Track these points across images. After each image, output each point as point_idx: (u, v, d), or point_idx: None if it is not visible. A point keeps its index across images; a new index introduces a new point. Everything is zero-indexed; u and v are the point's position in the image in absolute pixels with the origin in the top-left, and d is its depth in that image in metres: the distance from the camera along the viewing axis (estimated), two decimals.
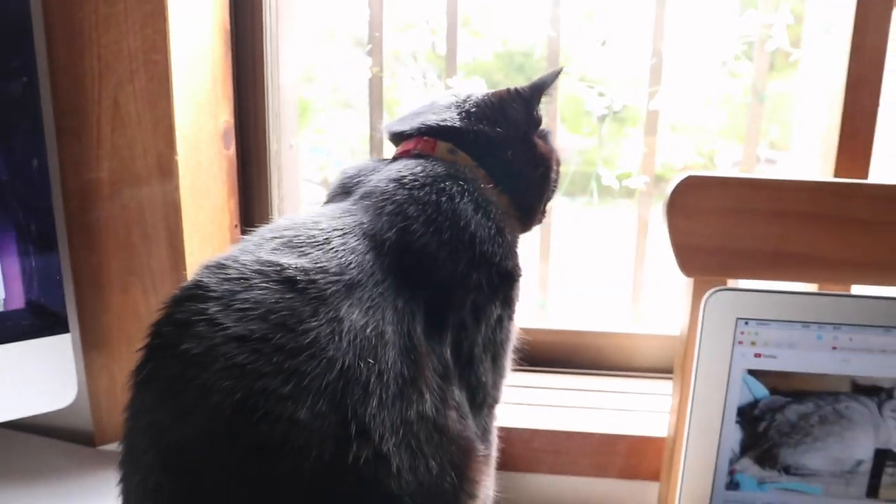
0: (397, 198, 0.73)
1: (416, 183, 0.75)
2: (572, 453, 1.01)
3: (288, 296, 0.60)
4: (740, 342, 0.80)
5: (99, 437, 1.10)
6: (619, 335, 1.23)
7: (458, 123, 0.81)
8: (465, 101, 0.84)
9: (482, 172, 0.80)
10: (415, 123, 0.83)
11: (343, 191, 0.81)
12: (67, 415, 1.05)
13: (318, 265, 0.63)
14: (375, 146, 1.33)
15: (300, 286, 0.61)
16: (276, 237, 0.67)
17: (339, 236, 0.68)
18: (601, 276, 1.60)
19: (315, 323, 0.59)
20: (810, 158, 1.10)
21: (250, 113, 1.17)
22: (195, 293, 0.60)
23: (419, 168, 0.77)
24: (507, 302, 0.78)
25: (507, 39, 1.41)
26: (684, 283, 0.87)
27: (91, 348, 1.05)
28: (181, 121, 0.99)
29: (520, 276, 0.78)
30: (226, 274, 0.61)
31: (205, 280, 0.61)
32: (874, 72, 0.99)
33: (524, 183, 0.83)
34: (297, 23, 1.24)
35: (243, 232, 1.16)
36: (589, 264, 1.53)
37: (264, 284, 0.60)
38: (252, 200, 1.20)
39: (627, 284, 1.31)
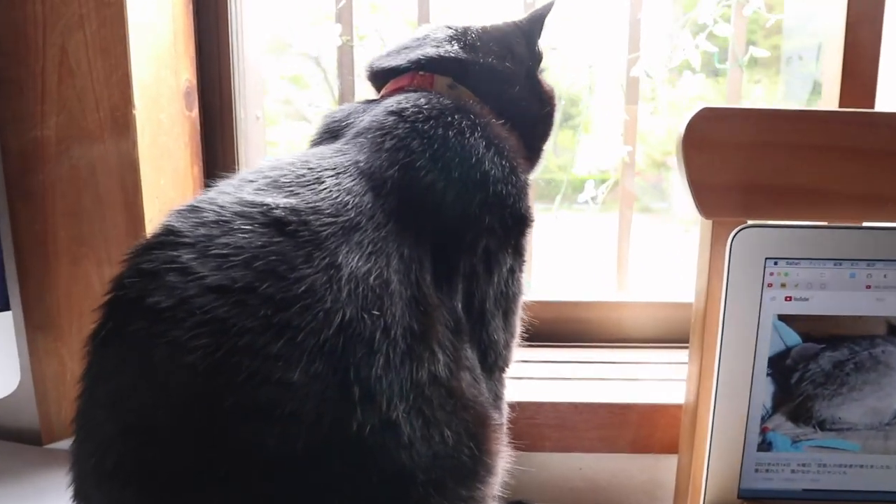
0: (398, 132, 0.65)
1: (421, 115, 0.67)
2: (579, 428, 0.93)
3: (276, 239, 0.52)
4: (769, 284, 0.73)
5: (46, 434, 0.97)
6: (614, 305, 1.15)
7: (462, 55, 0.74)
8: (464, 32, 0.77)
9: (487, 109, 0.72)
10: (411, 56, 0.75)
11: (330, 134, 0.72)
12: (9, 408, 0.93)
13: (310, 205, 0.56)
14: None
15: (290, 228, 0.53)
16: (259, 178, 0.59)
17: (331, 176, 0.60)
18: (581, 251, 1.53)
19: (309, 270, 0.51)
20: None
21: (214, 75, 1.07)
22: (164, 240, 0.52)
23: (423, 100, 0.69)
24: (519, 251, 0.70)
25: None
26: (702, 229, 0.80)
27: (36, 329, 0.93)
28: (139, 72, 0.88)
29: (533, 221, 0.71)
30: (200, 217, 0.53)
31: (176, 224, 0.53)
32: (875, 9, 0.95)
33: (531, 121, 0.76)
34: None
35: None
36: (565, 239, 1.46)
37: (248, 227, 0.52)
38: (217, 169, 1.10)
39: (611, 258, 1.25)
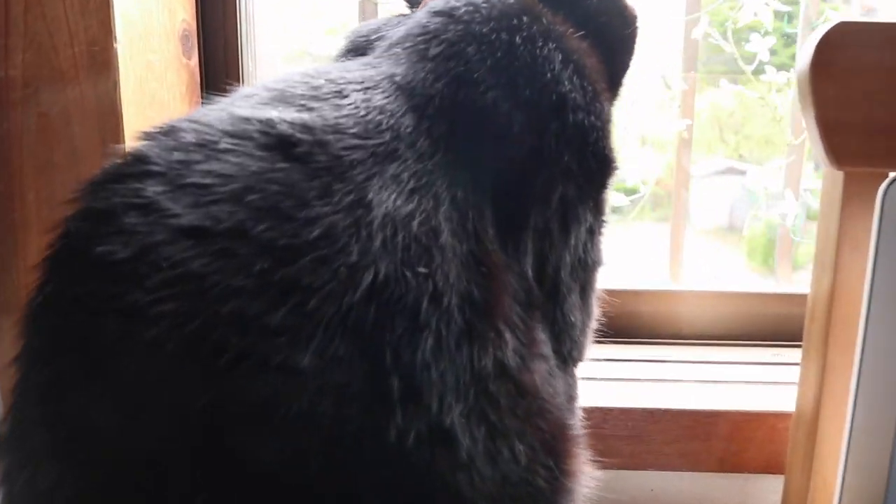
0: (448, 35, 0.50)
1: (478, 15, 0.52)
2: (654, 440, 0.75)
3: (280, 165, 0.39)
4: None
5: None
6: (675, 294, 0.97)
7: None
8: None
9: (561, 17, 0.56)
10: None
11: (356, 52, 0.57)
12: None
13: (330, 123, 0.42)
14: None
15: (300, 150, 0.40)
16: (261, 91, 0.46)
17: (358, 90, 0.46)
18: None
19: (327, 208, 0.38)
20: None
21: (216, 18, 0.91)
22: (127, 170, 0.39)
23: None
24: (599, 207, 0.56)
25: None
26: (826, 186, 0.63)
27: (0, 312, 0.78)
28: (122, 1, 0.73)
29: (618, 167, 0.55)
30: (177, 139, 0.40)
31: (144, 150, 0.40)
32: None
33: (613, 42, 0.60)
34: None
35: None
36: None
37: (241, 149, 0.39)
38: None
39: (664, 243, 1.07)
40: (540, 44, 0.51)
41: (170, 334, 0.33)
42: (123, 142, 0.74)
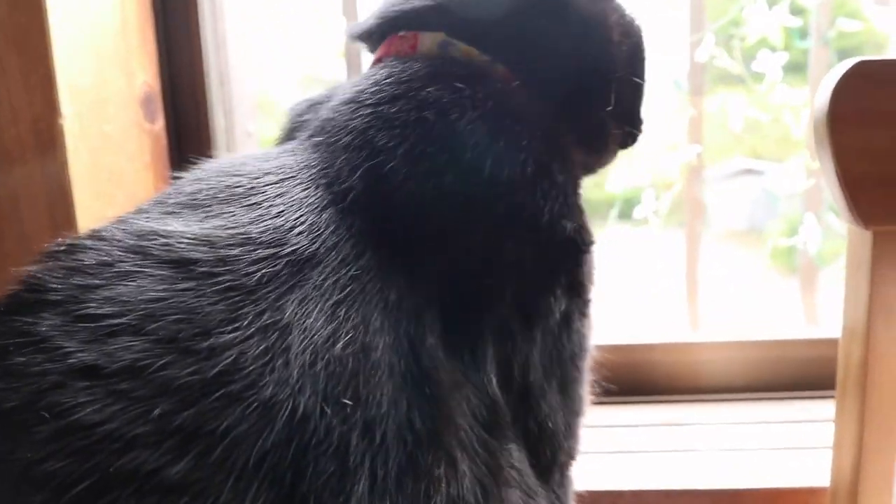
0: (355, 123, 0.45)
1: (383, 95, 0.46)
2: None
3: (182, 287, 0.35)
4: None
5: None
6: (694, 346, 0.90)
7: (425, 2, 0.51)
8: None
9: (501, 69, 0.49)
10: (385, 14, 0.53)
11: (288, 136, 0.52)
12: None
13: (237, 232, 0.38)
14: None
15: (202, 270, 0.36)
16: (175, 193, 0.43)
17: (275, 184, 0.42)
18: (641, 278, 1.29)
19: (234, 335, 0.34)
20: None
21: (183, 76, 0.86)
22: (23, 299, 0.35)
23: (384, 72, 0.48)
24: (575, 288, 0.48)
25: None
26: (853, 242, 0.55)
27: None
28: (69, 70, 0.68)
29: (590, 242, 0.48)
30: (77, 260, 0.36)
31: (42, 276, 0.36)
32: None
33: (574, 74, 0.52)
34: None
35: None
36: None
37: (142, 270, 0.35)
38: None
39: (679, 283, 1.00)
40: (455, 115, 0.44)
41: (61, 495, 0.29)
42: (75, 224, 0.68)
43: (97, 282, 0.34)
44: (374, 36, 0.54)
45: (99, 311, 0.33)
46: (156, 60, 0.82)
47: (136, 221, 0.38)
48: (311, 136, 0.47)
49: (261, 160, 0.44)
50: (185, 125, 0.86)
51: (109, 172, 0.73)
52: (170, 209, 0.39)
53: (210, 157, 0.85)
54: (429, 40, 0.50)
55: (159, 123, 0.82)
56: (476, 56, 0.49)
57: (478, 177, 0.43)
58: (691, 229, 1.00)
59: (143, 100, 0.79)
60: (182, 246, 0.36)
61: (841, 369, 0.58)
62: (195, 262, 0.35)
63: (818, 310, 1.02)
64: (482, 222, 0.44)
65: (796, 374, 0.87)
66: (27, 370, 0.32)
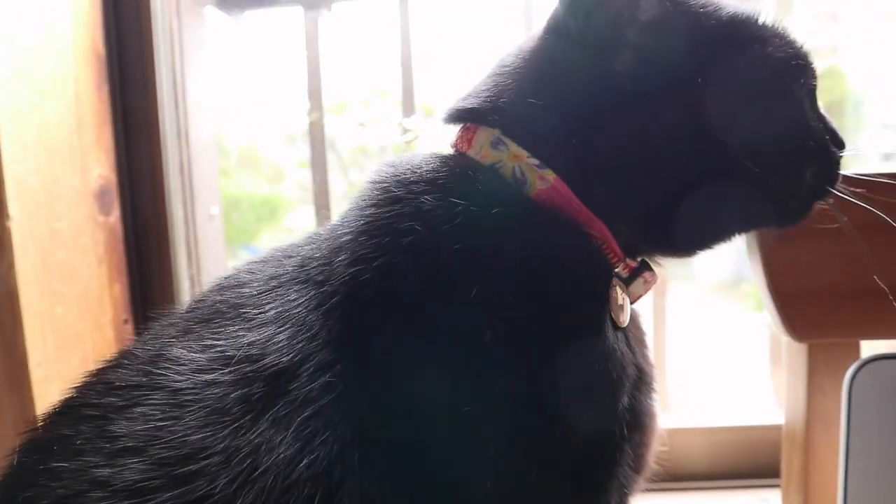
0: (356, 219, 0.44)
1: (386, 197, 0.44)
2: None
3: (174, 414, 0.38)
4: None
5: None
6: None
7: (491, 94, 0.47)
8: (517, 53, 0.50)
9: (543, 175, 0.44)
10: (457, 104, 0.50)
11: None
12: None
13: (223, 353, 0.40)
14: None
15: (187, 398, 0.38)
16: (210, 300, 0.45)
17: (273, 289, 0.44)
18: None
19: (210, 461, 0.36)
20: None
21: (142, 168, 0.86)
22: (69, 406, 0.41)
23: (384, 174, 0.46)
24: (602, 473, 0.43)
25: None
26: (790, 353, 0.55)
27: None
28: (17, 170, 0.68)
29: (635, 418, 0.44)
30: (112, 380, 0.41)
31: (86, 389, 0.41)
32: None
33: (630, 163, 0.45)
34: (210, 53, 0.96)
35: (138, 329, 0.84)
36: None
37: (148, 395, 0.39)
38: (150, 286, 0.88)
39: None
40: (441, 222, 0.41)
41: None
42: (21, 326, 0.68)
43: (121, 403, 0.38)
44: (450, 123, 0.50)
45: (118, 432, 0.37)
46: (113, 153, 0.83)
47: (157, 341, 0.42)
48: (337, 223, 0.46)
49: (287, 253, 0.46)
50: (143, 216, 0.86)
51: (59, 270, 0.73)
52: (190, 323, 0.43)
53: (166, 245, 0.86)
54: (483, 136, 0.46)
55: (115, 215, 0.82)
56: (522, 157, 0.45)
57: (452, 299, 0.40)
58: (656, 298, 0.99)
59: (97, 193, 0.80)
60: (174, 372, 0.39)
61: (784, 473, 0.58)
62: (182, 390, 0.38)
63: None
64: (461, 361, 0.40)
65: (756, 461, 0.87)
66: (61, 474, 0.36)
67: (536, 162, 0.44)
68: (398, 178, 0.45)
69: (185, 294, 0.89)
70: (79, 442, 0.37)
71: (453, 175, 0.44)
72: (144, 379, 0.39)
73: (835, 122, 0.49)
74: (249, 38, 1.17)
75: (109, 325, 0.81)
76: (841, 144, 0.48)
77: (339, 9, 1.03)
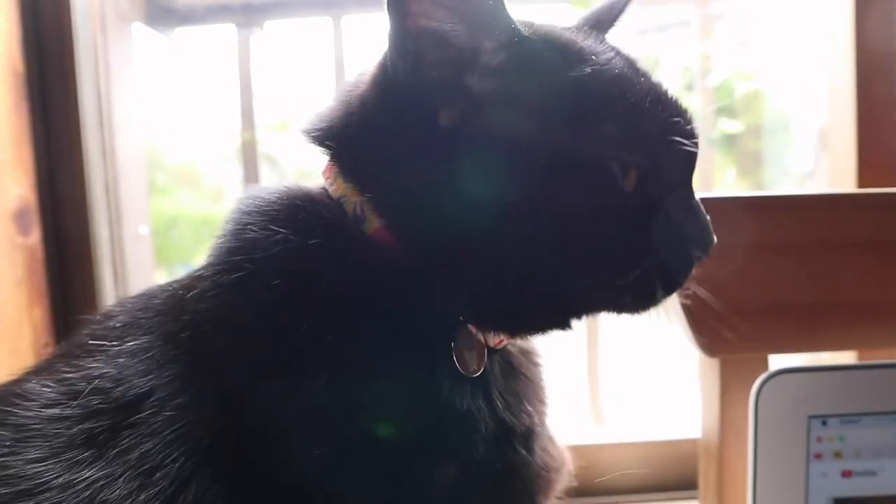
0: (201, 266, 0.45)
1: (225, 229, 0.45)
2: None
3: (15, 449, 0.37)
4: (817, 455, 0.49)
5: None
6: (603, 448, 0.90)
7: (330, 122, 0.45)
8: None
9: (371, 216, 0.43)
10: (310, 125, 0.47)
11: None
12: None
13: (70, 387, 0.39)
14: None
15: (28, 433, 0.37)
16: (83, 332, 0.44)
17: (139, 319, 0.43)
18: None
19: (48, 494, 0.35)
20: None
21: (64, 187, 0.84)
22: None
23: (239, 204, 0.46)
24: None
25: None
26: (704, 369, 0.57)
27: None
28: None
29: None
30: None
31: None
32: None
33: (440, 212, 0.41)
34: (138, 70, 0.95)
35: None
36: None
37: None
38: (73, 309, 0.85)
39: (580, 379, 1.01)
40: (251, 276, 0.41)
41: None
42: None
43: None
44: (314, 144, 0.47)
45: None
46: (33, 172, 0.80)
47: (17, 377, 0.42)
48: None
49: (164, 288, 0.45)
50: (65, 237, 0.84)
51: None
52: (53, 358, 0.42)
53: (89, 266, 0.84)
54: (336, 169, 0.44)
55: (35, 236, 0.80)
56: (352, 194, 0.43)
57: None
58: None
59: (16, 214, 0.77)
60: (22, 408, 0.38)
61: (701, 485, 0.59)
62: (26, 425, 0.37)
63: None
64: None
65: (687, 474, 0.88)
66: None
67: (362, 198, 0.43)
68: (243, 209, 0.44)
69: None
70: None
71: (283, 205, 0.43)
72: None
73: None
74: (183, 55, 1.16)
75: (29, 350, 0.78)
76: (704, 244, 0.43)
77: (272, 27, 1.02)
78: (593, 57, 0.41)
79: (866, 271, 0.54)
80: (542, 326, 0.44)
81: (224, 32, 1.02)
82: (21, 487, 0.35)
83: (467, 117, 0.40)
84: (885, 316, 0.54)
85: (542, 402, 0.46)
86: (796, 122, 1.12)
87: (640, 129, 0.41)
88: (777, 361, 0.55)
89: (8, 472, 0.36)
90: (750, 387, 0.51)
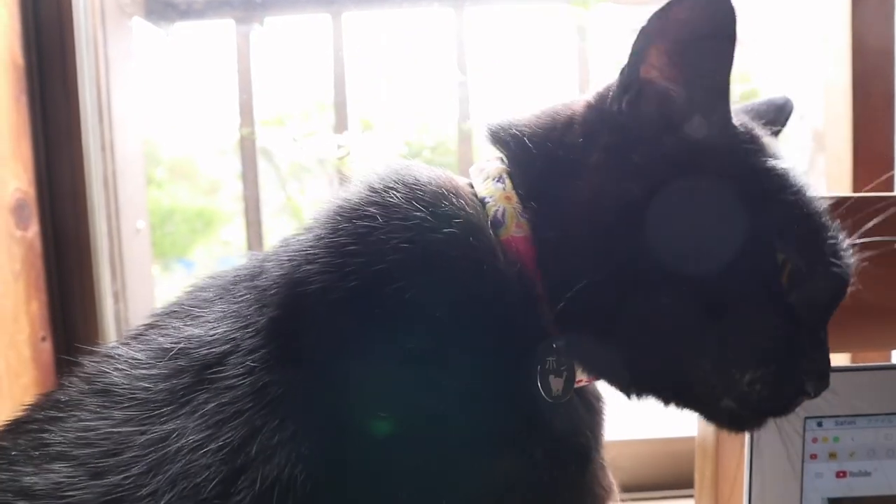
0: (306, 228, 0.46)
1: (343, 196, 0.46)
2: None
3: (105, 413, 0.40)
4: (812, 456, 0.50)
5: None
6: None
7: (527, 126, 0.47)
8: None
9: (521, 224, 0.44)
10: (495, 123, 0.49)
11: None
12: None
13: (158, 348, 0.42)
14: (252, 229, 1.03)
15: (118, 394, 0.40)
16: (173, 302, 0.47)
17: (228, 286, 0.45)
18: None
19: (130, 454, 0.38)
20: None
21: (63, 181, 0.84)
22: (12, 425, 0.42)
23: (375, 174, 0.46)
24: None
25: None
26: None
27: None
28: None
29: None
30: (57, 395, 0.43)
31: (32, 406, 0.43)
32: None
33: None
34: (138, 64, 0.95)
35: (57, 347, 0.82)
36: None
37: (83, 399, 0.41)
38: (71, 303, 0.85)
39: None
40: (371, 248, 0.41)
41: None
42: None
43: (61, 414, 0.40)
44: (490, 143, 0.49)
45: (51, 440, 0.39)
46: (32, 166, 0.80)
47: (108, 348, 0.43)
48: None
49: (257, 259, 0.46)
50: (64, 230, 0.84)
51: None
52: (144, 325, 0.45)
53: (88, 260, 0.84)
54: (493, 168, 0.46)
55: (33, 230, 0.80)
56: (512, 201, 0.44)
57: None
58: None
59: (14, 207, 0.77)
60: (113, 370, 0.41)
61: (697, 482, 0.60)
62: (115, 386, 0.40)
63: None
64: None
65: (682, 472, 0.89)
66: None
67: (521, 209, 0.44)
68: (387, 174, 0.44)
69: (108, 310, 0.87)
70: (13, 454, 0.39)
71: (431, 189, 0.43)
72: (86, 386, 0.41)
73: None
74: (182, 49, 1.16)
75: (26, 343, 0.78)
76: (820, 381, 0.42)
77: (271, 23, 1.02)
78: (783, 158, 0.44)
79: (861, 274, 0.54)
80: (637, 388, 0.45)
81: (223, 28, 1.02)
82: (107, 447, 0.38)
83: (655, 167, 0.42)
84: (879, 318, 0.55)
85: (599, 433, 0.47)
86: (791, 122, 1.13)
87: (812, 236, 0.42)
88: None
89: (98, 434, 0.38)
90: None
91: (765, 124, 0.48)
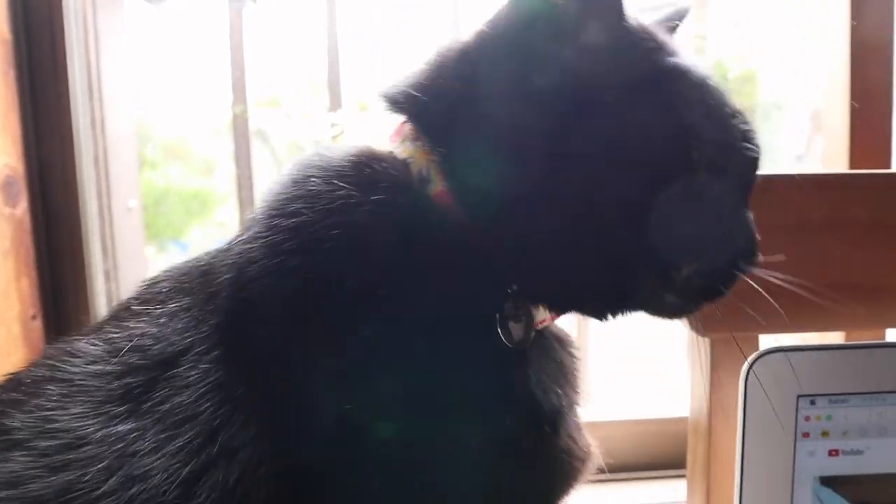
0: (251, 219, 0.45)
1: (276, 187, 0.45)
2: None
3: (64, 402, 0.40)
4: (805, 434, 0.49)
5: None
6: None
7: (417, 85, 0.45)
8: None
9: (442, 190, 0.42)
10: (386, 90, 0.47)
11: None
12: None
13: (113, 346, 0.42)
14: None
15: (75, 386, 0.40)
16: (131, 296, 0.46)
17: (183, 282, 0.45)
18: None
19: (86, 449, 0.37)
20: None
21: (52, 158, 0.83)
22: None
23: (301, 161, 0.45)
24: None
25: None
26: (693, 348, 0.57)
27: None
28: None
29: None
30: (22, 377, 0.43)
31: None
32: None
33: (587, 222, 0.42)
34: (129, 41, 0.93)
35: (48, 325, 0.81)
36: None
37: (45, 388, 0.40)
38: (61, 281, 0.84)
39: None
40: (307, 226, 0.41)
41: None
42: None
43: (22, 397, 0.40)
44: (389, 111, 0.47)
45: (12, 425, 0.38)
46: (20, 141, 0.79)
47: (73, 339, 0.42)
48: None
49: (213, 249, 0.46)
50: (53, 208, 0.83)
51: None
52: (105, 318, 0.44)
53: (78, 238, 0.83)
54: (406, 130, 0.45)
55: (22, 207, 0.79)
56: (429, 156, 0.43)
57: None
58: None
59: (2, 184, 0.76)
60: (70, 364, 0.40)
61: (689, 462, 0.60)
62: (72, 380, 0.39)
63: None
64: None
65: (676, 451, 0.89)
66: None
67: (440, 160, 0.42)
68: (307, 163, 0.44)
69: (100, 288, 0.86)
70: None
71: (349, 162, 0.43)
72: (48, 372, 0.41)
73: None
74: (174, 26, 1.14)
75: (16, 321, 0.78)
76: (749, 255, 0.44)
77: (264, 0, 1.01)
78: (684, 53, 0.43)
79: (856, 253, 0.54)
80: (584, 301, 0.45)
81: (216, 5, 1.01)
82: (65, 441, 0.37)
83: (558, 85, 0.41)
84: (873, 297, 0.55)
85: (573, 389, 0.46)
86: (789, 103, 1.12)
87: (721, 127, 0.42)
88: (766, 341, 0.55)
89: (55, 425, 0.38)
90: (740, 366, 0.51)
91: (661, 22, 0.48)
